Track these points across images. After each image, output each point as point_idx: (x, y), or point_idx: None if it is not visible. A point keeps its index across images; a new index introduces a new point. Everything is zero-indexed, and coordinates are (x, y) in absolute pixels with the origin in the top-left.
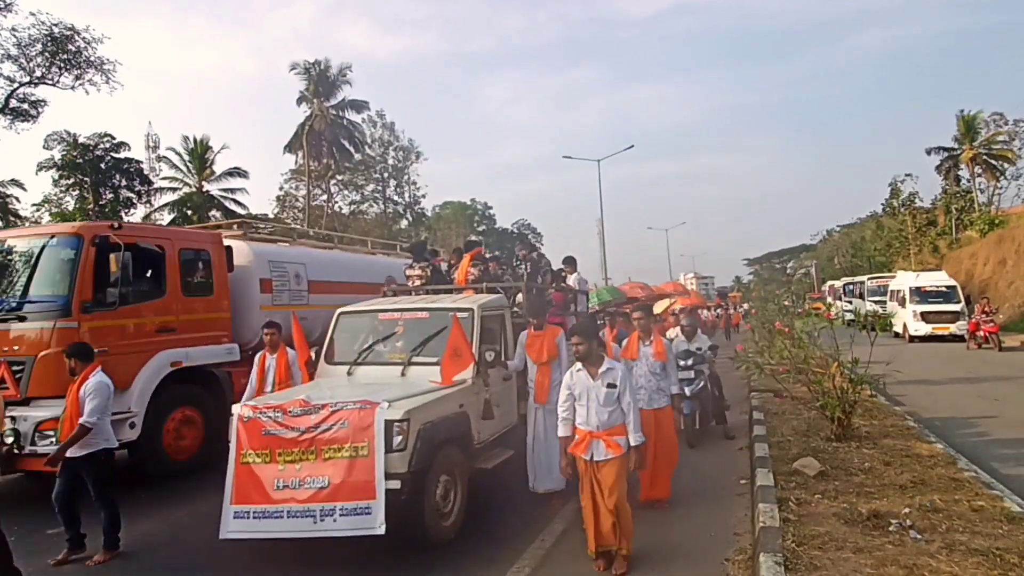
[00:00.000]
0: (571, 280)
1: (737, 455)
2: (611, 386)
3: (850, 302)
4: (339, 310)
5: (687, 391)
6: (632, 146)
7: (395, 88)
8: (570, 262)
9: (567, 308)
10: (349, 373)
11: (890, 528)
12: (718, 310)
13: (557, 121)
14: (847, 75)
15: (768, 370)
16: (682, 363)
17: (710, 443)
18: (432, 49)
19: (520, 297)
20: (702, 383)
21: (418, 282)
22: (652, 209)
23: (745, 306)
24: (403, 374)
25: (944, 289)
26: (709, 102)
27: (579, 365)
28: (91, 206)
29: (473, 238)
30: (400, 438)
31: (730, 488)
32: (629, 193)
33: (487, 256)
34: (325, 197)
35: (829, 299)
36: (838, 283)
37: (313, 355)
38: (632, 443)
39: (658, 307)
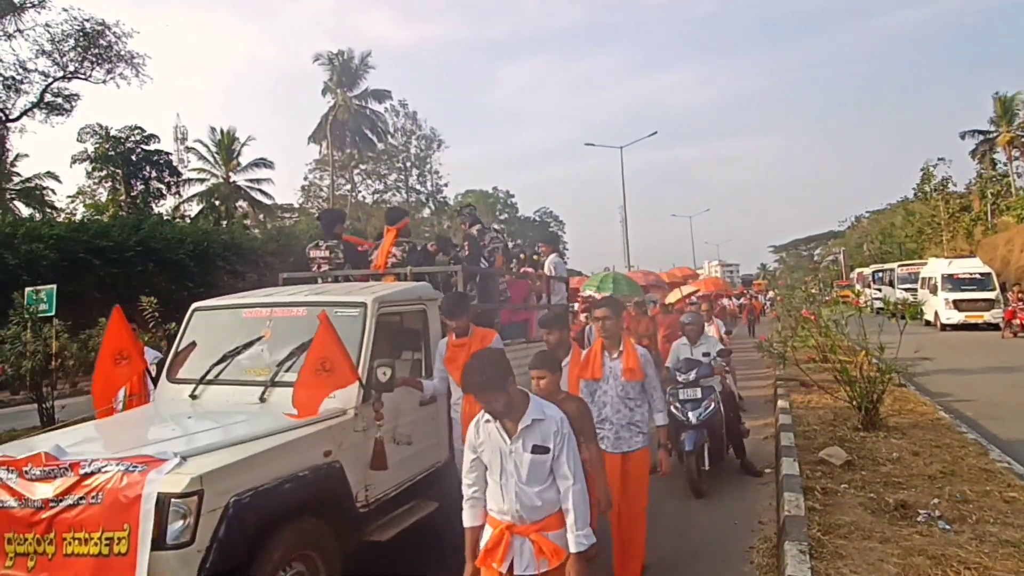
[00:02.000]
0: (546, 264)
1: (764, 448)
2: (538, 450)
3: (879, 290)
4: (194, 305)
5: (692, 416)
6: (655, 132)
7: (416, 76)
8: (550, 241)
9: (531, 300)
10: (193, 396)
11: (918, 519)
12: (741, 299)
13: (579, 107)
14: (878, 55)
15: (793, 359)
16: (682, 377)
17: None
18: (452, 36)
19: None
20: (712, 405)
21: (325, 266)
22: (676, 196)
23: (771, 294)
24: (263, 399)
25: (978, 276)
26: (734, 85)
27: (486, 414)
28: (123, 198)
29: (394, 206)
30: (182, 523)
31: (756, 477)
32: (652, 180)
33: (475, 232)
34: (349, 187)
35: (857, 287)
36: (867, 270)
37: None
38: (572, 548)
39: (671, 296)
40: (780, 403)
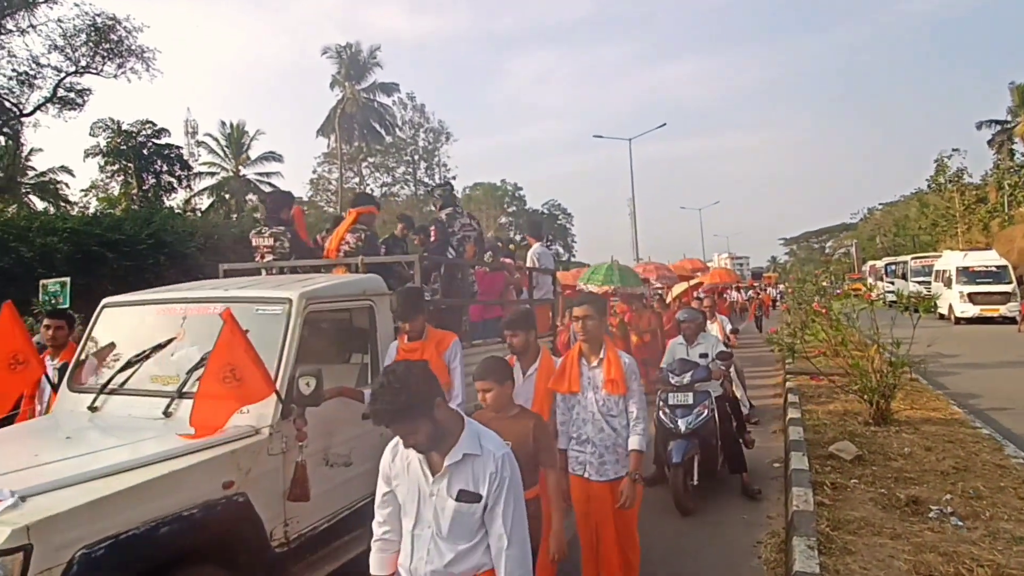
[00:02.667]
0: (529, 255)
1: (773, 446)
2: (465, 497)
3: (892, 283)
4: (104, 300)
5: (681, 424)
6: (664, 124)
7: (424, 69)
8: (533, 228)
9: (507, 295)
10: (92, 408)
11: (930, 515)
12: (750, 292)
13: (587, 100)
14: (890, 45)
15: (803, 352)
16: (674, 380)
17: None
18: (460, 28)
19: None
20: (705, 413)
21: (269, 256)
22: (685, 188)
23: (781, 287)
24: (168, 413)
25: (994, 269)
26: (743, 76)
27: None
28: (135, 191)
29: (365, 192)
30: None
31: (764, 472)
32: (661, 172)
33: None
34: (357, 180)
35: (870, 280)
36: (879, 263)
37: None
38: None
39: (676, 289)
40: (790, 397)
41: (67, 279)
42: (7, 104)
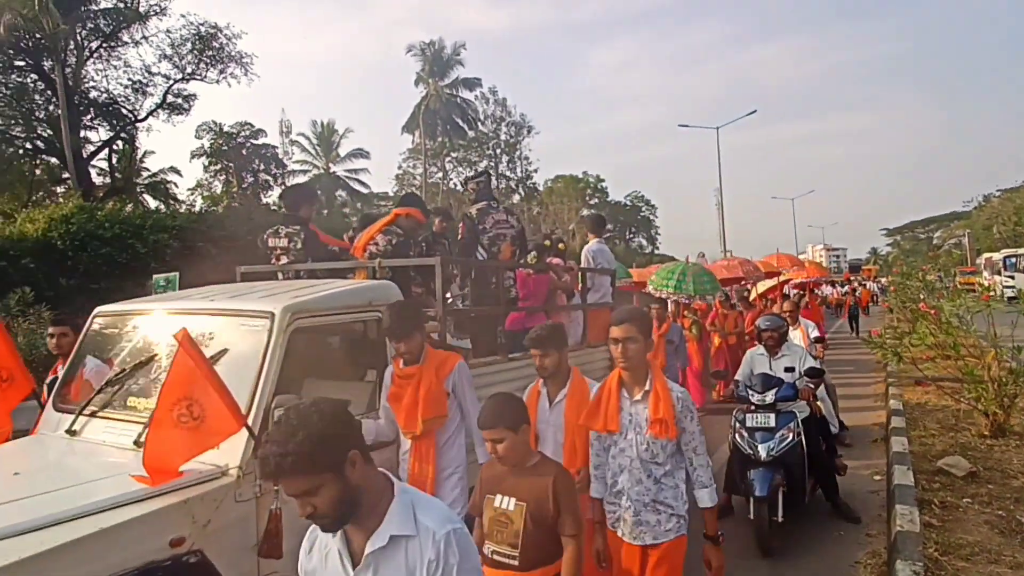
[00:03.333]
0: (584, 253)
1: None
2: None
3: (1012, 277)
4: (97, 308)
5: (762, 450)
6: (755, 111)
7: (506, 61)
8: (593, 223)
9: (554, 300)
10: (71, 431)
11: None
12: (845, 287)
13: (672, 86)
14: (1008, 14)
15: (908, 358)
16: (755, 398)
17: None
18: (541, 19)
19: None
20: (790, 437)
21: (284, 258)
22: (777, 177)
23: (883, 281)
24: (139, 442)
25: None
26: (840, 56)
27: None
28: (235, 189)
29: (412, 193)
30: None
31: (862, 483)
32: (751, 160)
33: (470, 219)
34: (440, 175)
35: (985, 273)
36: (997, 256)
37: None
38: None
39: (760, 287)
40: (892, 403)
41: (176, 273)
42: (124, 111)
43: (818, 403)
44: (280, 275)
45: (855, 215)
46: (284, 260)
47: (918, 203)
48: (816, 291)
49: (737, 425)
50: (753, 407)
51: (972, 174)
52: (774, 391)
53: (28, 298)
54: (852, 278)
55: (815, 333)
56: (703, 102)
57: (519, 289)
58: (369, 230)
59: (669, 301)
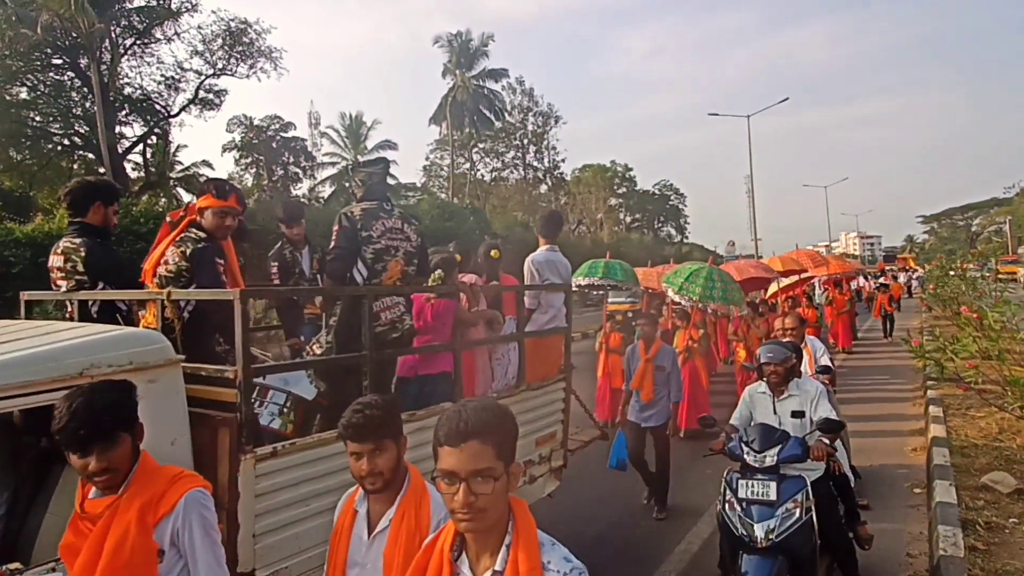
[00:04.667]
0: (527, 263)
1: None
2: None
3: None
4: None
5: (758, 530)
6: (786, 99)
7: (532, 48)
8: (545, 223)
9: (465, 331)
10: None
11: None
12: (880, 277)
13: (702, 72)
14: None
15: (953, 369)
16: (752, 458)
17: None
18: (569, 5)
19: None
20: (797, 515)
21: (61, 282)
22: (809, 163)
23: (919, 272)
24: None
25: None
26: (875, 37)
27: None
28: (265, 182)
29: (216, 178)
30: None
31: (902, 496)
32: (783, 147)
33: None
34: (468, 165)
35: None
36: None
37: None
38: None
39: (771, 287)
40: (932, 410)
41: None
42: (157, 106)
43: (835, 459)
44: (68, 304)
45: (890, 202)
46: (62, 284)
47: (956, 189)
48: (846, 287)
49: (727, 494)
50: (750, 468)
51: (1014, 159)
52: (776, 449)
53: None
54: (887, 268)
55: (824, 360)
56: (733, 87)
57: (414, 319)
58: (156, 246)
59: (685, 307)
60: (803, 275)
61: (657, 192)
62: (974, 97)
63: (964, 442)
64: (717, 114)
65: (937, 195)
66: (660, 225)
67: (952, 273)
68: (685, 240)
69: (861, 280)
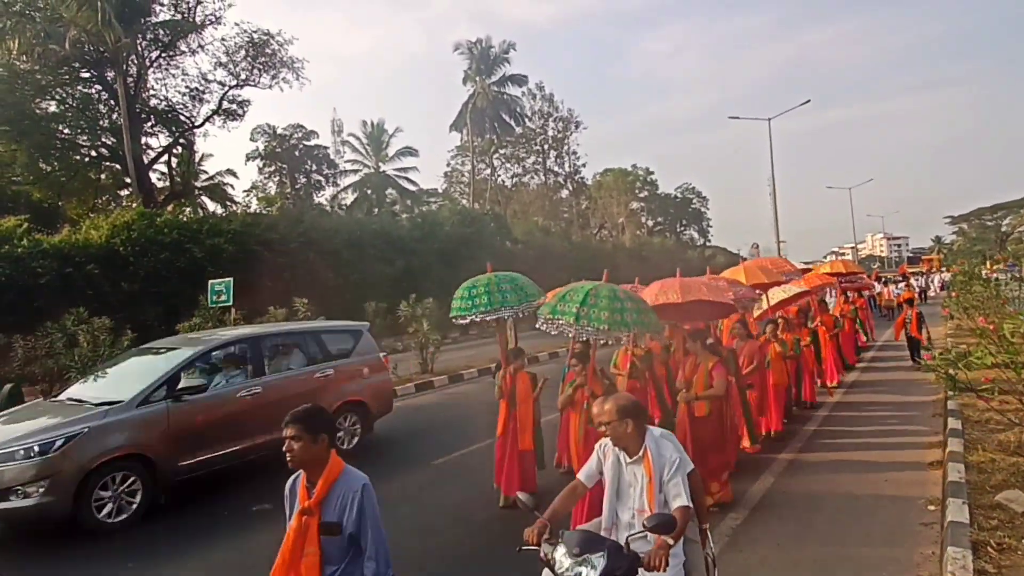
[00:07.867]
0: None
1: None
2: None
3: None
4: None
5: None
6: (808, 101)
7: (553, 53)
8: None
9: None
10: None
11: None
12: (901, 285)
13: (722, 72)
14: None
15: (967, 383)
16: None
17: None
18: (588, 8)
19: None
20: None
21: None
22: (834, 164)
23: (944, 275)
24: None
25: None
26: (901, 34)
27: None
28: (288, 191)
29: None
30: None
31: (914, 513)
32: (805, 148)
33: None
34: (488, 171)
35: None
36: None
37: None
38: None
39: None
40: (950, 422)
41: (230, 279)
42: (182, 117)
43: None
44: None
45: (918, 202)
46: None
47: (986, 188)
48: (861, 293)
49: None
50: None
51: None
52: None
53: (82, 315)
54: (908, 273)
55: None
56: (754, 88)
57: None
58: None
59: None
60: (787, 286)
61: (679, 195)
62: (1006, 93)
63: (982, 456)
64: (738, 117)
65: (966, 195)
66: (682, 228)
67: (974, 279)
68: (708, 243)
69: (878, 287)
